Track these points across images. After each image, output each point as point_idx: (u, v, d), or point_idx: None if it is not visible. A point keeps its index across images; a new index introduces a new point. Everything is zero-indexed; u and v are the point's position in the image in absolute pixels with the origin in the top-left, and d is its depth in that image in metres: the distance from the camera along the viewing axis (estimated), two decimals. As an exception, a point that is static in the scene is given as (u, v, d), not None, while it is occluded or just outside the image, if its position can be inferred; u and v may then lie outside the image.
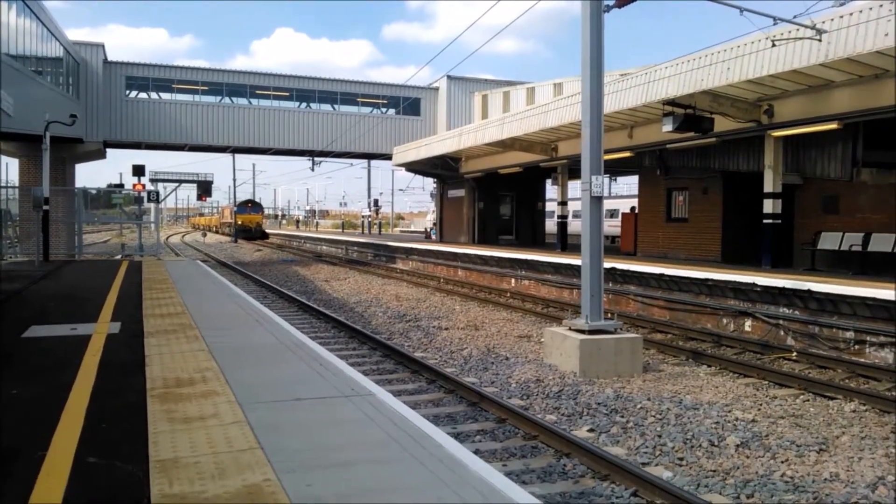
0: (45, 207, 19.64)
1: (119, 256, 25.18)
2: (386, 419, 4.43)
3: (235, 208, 67.00)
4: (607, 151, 12.20)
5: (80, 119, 26.38)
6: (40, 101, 23.12)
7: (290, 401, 4.86)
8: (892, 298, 11.23)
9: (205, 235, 73.52)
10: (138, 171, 24.88)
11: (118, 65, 33.79)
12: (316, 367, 5.94)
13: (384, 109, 39.15)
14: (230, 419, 4.37)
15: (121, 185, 33.50)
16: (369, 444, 3.98)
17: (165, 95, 35.19)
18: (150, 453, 3.75)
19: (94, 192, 27.96)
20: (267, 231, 69.85)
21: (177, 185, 47.55)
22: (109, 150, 36.24)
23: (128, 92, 34.06)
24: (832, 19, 12.55)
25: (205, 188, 46.58)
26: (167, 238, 67.46)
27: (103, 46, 33.02)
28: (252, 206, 68.18)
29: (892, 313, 11.31)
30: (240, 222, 64.61)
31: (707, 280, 14.88)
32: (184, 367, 5.88)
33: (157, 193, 26.03)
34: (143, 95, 34.73)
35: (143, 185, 24.73)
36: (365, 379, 5.58)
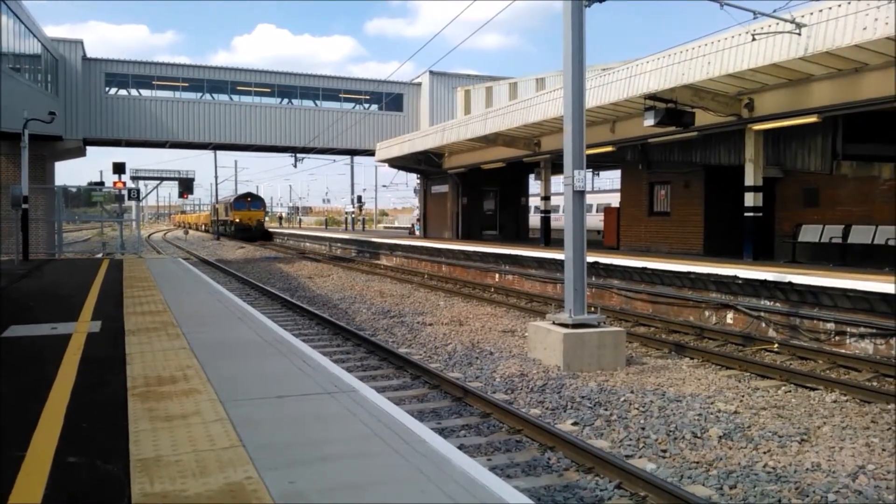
0: (25, 206, 19.40)
1: (100, 255, 24.94)
2: (369, 415, 4.41)
3: (232, 202, 57.45)
4: (590, 146, 12.23)
5: (59, 116, 26.09)
6: (18, 99, 22.83)
7: (272, 398, 4.83)
8: (872, 290, 11.34)
9: (186, 233, 72.26)
10: (119, 168, 24.62)
11: (97, 61, 33.41)
12: (299, 364, 5.91)
13: (367, 105, 39.00)
14: (212, 417, 4.34)
15: (101, 183, 33.09)
16: (352, 440, 3.96)
17: (145, 92, 34.85)
18: (131, 452, 3.71)
19: (74, 190, 27.71)
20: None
21: (158, 182, 47.17)
22: (89, 148, 35.85)
23: (107, 89, 33.68)
24: (811, 13, 12.63)
25: (186, 185, 46.23)
26: (149, 236, 66.97)
27: (82, 43, 32.62)
28: (252, 200, 58.15)
29: (873, 305, 11.43)
30: (237, 220, 55.24)
31: (689, 273, 14.96)
32: (165, 365, 5.83)
33: (138, 191, 25.83)
34: (122, 92, 34.37)
35: (124, 183, 24.50)
36: (348, 375, 5.56)
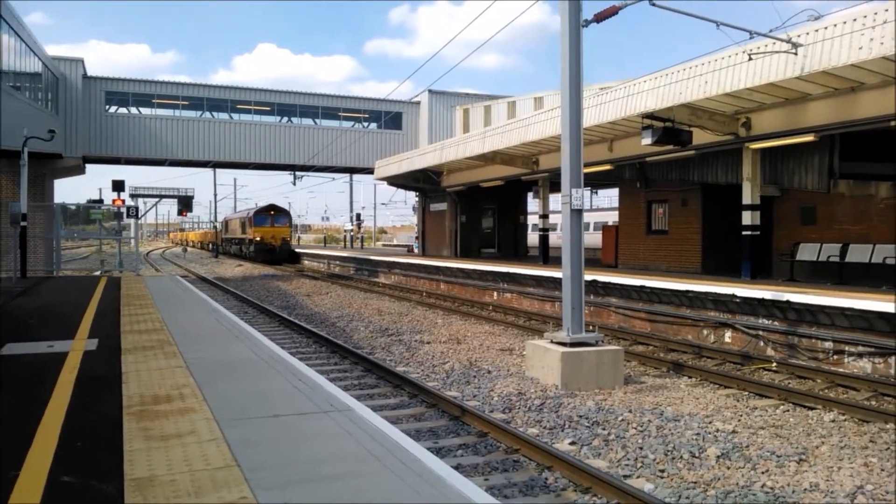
0: (23, 223, 19.40)
1: (98, 272, 24.94)
2: (364, 434, 4.40)
3: (252, 217, 47.71)
4: (587, 164, 12.25)
5: (59, 134, 26.15)
6: (18, 117, 22.90)
7: (268, 417, 4.82)
8: (870, 308, 11.34)
9: (185, 251, 71.91)
10: (118, 186, 24.70)
11: (98, 80, 33.58)
12: (295, 383, 5.90)
13: (366, 124, 39.16)
14: (207, 437, 4.32)
15: (100, 201, 33.20)
16: (347, 459, 3.95)
17: (145, 110, 34.99)
18: (125, 472, 3.70)
19: (72, 207, 27.69)
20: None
21: (157, 200, 47.17)
22: (89, 166, 35.95)
23: (107, 107, 33.82)
24: (807, 33, 12.72)
25: (185, 203, 46.21)
26: (147, 253, 66.91)
27: (82, 61, 32.80)
28: (276, 213, 47.65)
29: (871, 323, 11.42)
30: (258, 238, 45.74)
31: (687, 292, 14.96)
32: (161, 383, 5.81)
33: (137, 209, 25.82)
34: (122, 110, 34.50)
35: (123, 201, 24.53)
36: (344, 394, 5.54)
